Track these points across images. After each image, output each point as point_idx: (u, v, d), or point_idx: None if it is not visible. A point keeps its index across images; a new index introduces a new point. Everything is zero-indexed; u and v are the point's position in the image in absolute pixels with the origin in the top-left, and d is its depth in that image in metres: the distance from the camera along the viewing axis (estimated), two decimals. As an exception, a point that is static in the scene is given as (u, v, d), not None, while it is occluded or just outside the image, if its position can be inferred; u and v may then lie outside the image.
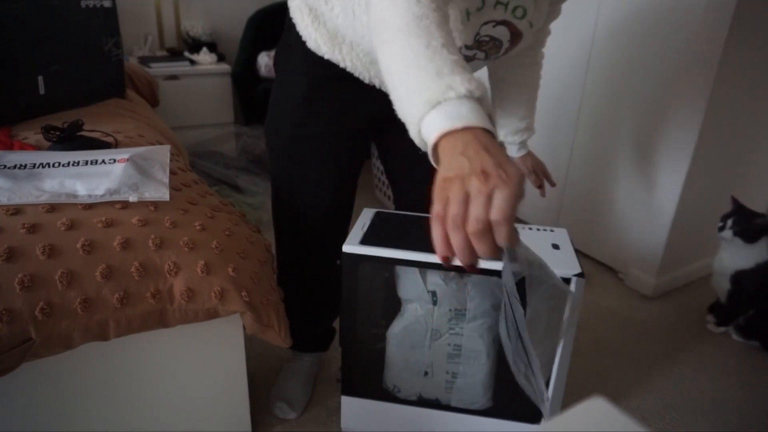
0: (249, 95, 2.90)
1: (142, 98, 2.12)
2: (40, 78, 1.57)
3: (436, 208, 0.58)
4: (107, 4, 1.73)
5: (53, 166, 1.10)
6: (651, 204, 1.88)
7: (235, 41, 2.94)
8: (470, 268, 0.61)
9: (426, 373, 1.19)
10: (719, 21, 1.58)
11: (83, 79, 1.71)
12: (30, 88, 1.55)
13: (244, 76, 2.87)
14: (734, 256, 1.66)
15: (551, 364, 1.07)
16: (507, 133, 1.30)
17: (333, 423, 1.34)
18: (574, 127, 2.09)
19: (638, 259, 1.96)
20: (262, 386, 1.41)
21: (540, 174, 1.38)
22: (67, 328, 0.87)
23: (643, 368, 1.60)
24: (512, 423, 1.19)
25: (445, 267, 0.65)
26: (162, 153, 1.24)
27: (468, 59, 0.98)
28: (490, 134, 0.59)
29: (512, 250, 0.64)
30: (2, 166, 1.08)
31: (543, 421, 1.17)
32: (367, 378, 1.23)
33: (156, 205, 1.06)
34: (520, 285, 1.14)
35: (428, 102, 0.60)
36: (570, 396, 1.41)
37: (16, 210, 0.97)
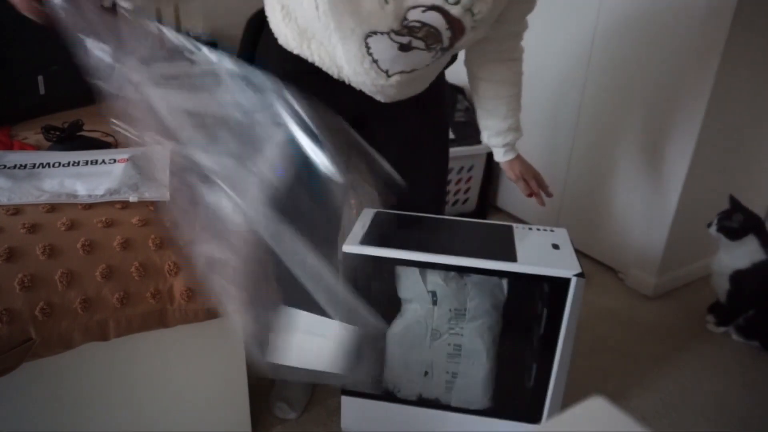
0: (249, 95, 2.89)
1: (142, 98, 2.11)
2: (40, 78, 1.57)
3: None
4: (107, 3, 1.73)
5: (53, 166, 1.10)
6: (651, 204, 1.88)
7: (235, 41, 2.93)
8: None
9: (426, 373, 1.19)
10: (720, 21, 1.58)
11: (83, 79, 1.71)
12: (30, 88, 1.55)
13: (244, 76, 2.87)
14: (732, 255, 1.67)
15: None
16: (490, 135, 1.25)
17: (333, 423, 1.34)
18: (575, 127, 2.09)
19: (638, 259, 1.96)
20: (262, 386, 1.41)
21: (530, 181, 1.30)
22: (67, 328, 0.87)
23: (643, 368, 1.60)
24: (512, 423, 1.19)
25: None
26: (162, 153, 1.24)
27: (405, 48, 0.96)
28: None
29: None
30: (2, 166, 1.08)
31: (543, 421, 1.17)
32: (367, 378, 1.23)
33: (156, 205, 1.06)
34: (514, 284, 1.14)
35: None
36: (570, 396, 1.41)
37: (16, 210, 0.97)
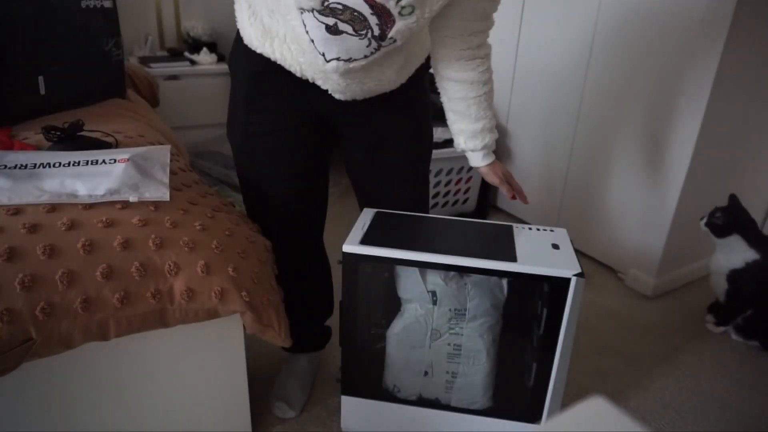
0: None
1: (142, 98, 2.12)
2: (41, 78, 1.57)
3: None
4: (108, 4, 1.73)
5: (53, 166, 1.10)
6: (651, 204, 1.88)
7: (235, 41, 2.94)
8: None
9: (426, 373, 1.19)
10: (719, 21, 1.58)
11: (84, 79, 1.71)
12: (30, 88, 1.55)
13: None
14: (726, 255, 1.69)
15: None
16: (466, 139, 1.19)
17: (333, 423, 1.34)
18: (574, 127, 2.09)
19: (638, 259, 1.96)
20: (262, 386, 1.41)
21: (513, 182, 1.26)
22: (68, 327, 0.88)
23: (643, 368, 1.60)
24: (512, 423, 1.19)
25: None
26: (162, 153, 1.24)
27: (332, 30, 0.95)
28: None
29: None
30: (3, 166, 1.08)
31: (543, 421, 1.17)
32: (367, 378, 1.23)
33: (156, 205, 1.06)
34: (514, 284, 1.14)
35: None
36: (570, 396, 1.42)
37: (17, 210, 0.97)
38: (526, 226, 1.20)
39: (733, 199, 1.69)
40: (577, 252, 1.10)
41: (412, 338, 1.16)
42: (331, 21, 0.93)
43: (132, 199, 1.05)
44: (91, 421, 1.02)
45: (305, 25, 0.96)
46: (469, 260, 1.05)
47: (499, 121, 2.39)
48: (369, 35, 0.96)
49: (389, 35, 0.96)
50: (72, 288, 0.88)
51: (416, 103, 1.23)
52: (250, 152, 1.20)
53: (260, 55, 1.09)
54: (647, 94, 1.82)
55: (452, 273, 1.11)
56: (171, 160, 1.23)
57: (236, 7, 1.14)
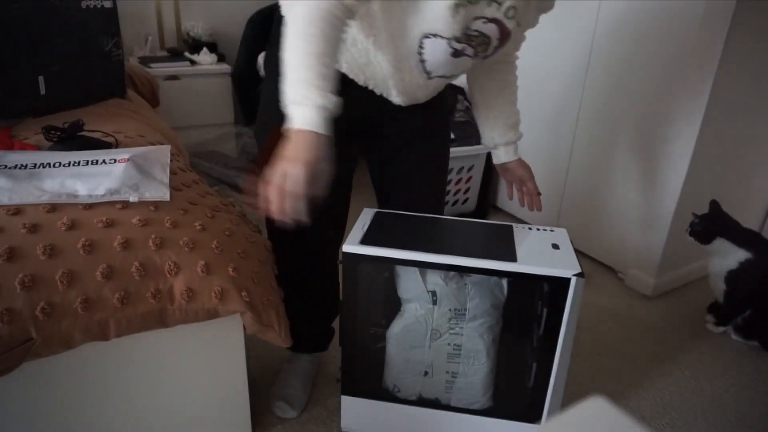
0: (249, 95, 2.89)
1: (142, 98, 2.12)
2: (41, 78, 1.57)
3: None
4: (108, 4, 1.73)
5: (54, 166, 1.10)
6: (650, 204, 1.88)
7: (235, 41, 2.93)
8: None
9: (426, 373, 1.19)
10: (719, 20, 1.58)
11: (84, 79, 1.71)
12: (30, 88, 1.55)
13: (244, 76, 2.87)
14: (720, 257, 1.70)
15: None
16: (501, 133, 1.27)
17: (333, 423, 1.34)
18: (574, 127, 2.09)
19: (638, 259, 1.96)
20: (262, 386, 1.41)
21: (531, 185, 1.30)
22: (68, 327, 0.88)
23: (643, 368, 1.60)
24: (512, 423, 1.19)
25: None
26: (162, 153, 1.24)
27: (457, 54, 0.99)
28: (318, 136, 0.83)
29: None
30: (3, 166, 1.08)
31: (543, 421, 1.17)
32: (367, 378, 1.23)
33: (156, 205, 1.06)
34: (514, 284, 1.14)
35: (292, 100, 0.85)
36: (570, 396, 1.42)
37: (17, 210, 0.97)
38: (526, 226, 1.20)
39: (713, 204, 1.72)
40: (577, 252, 1.10)
41: (412, 338, 1.16)
42: (461, 46, 0.97)
43: (132, 199, 1.05)
44: (91, 421, 1.02)
45: (421, 47, 0.98)
46: (469, 260, 1.05)
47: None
48: (482, 55, 1.01)
49: (496, 54, 1.02)
50: (72, 288, 0.88)
51: (443, 100, 1.28)
52: None
53: None
54: (647, 95, 1.82)
55: (452, 273, 1.12)
56: (171, 160, 1.23)
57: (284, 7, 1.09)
